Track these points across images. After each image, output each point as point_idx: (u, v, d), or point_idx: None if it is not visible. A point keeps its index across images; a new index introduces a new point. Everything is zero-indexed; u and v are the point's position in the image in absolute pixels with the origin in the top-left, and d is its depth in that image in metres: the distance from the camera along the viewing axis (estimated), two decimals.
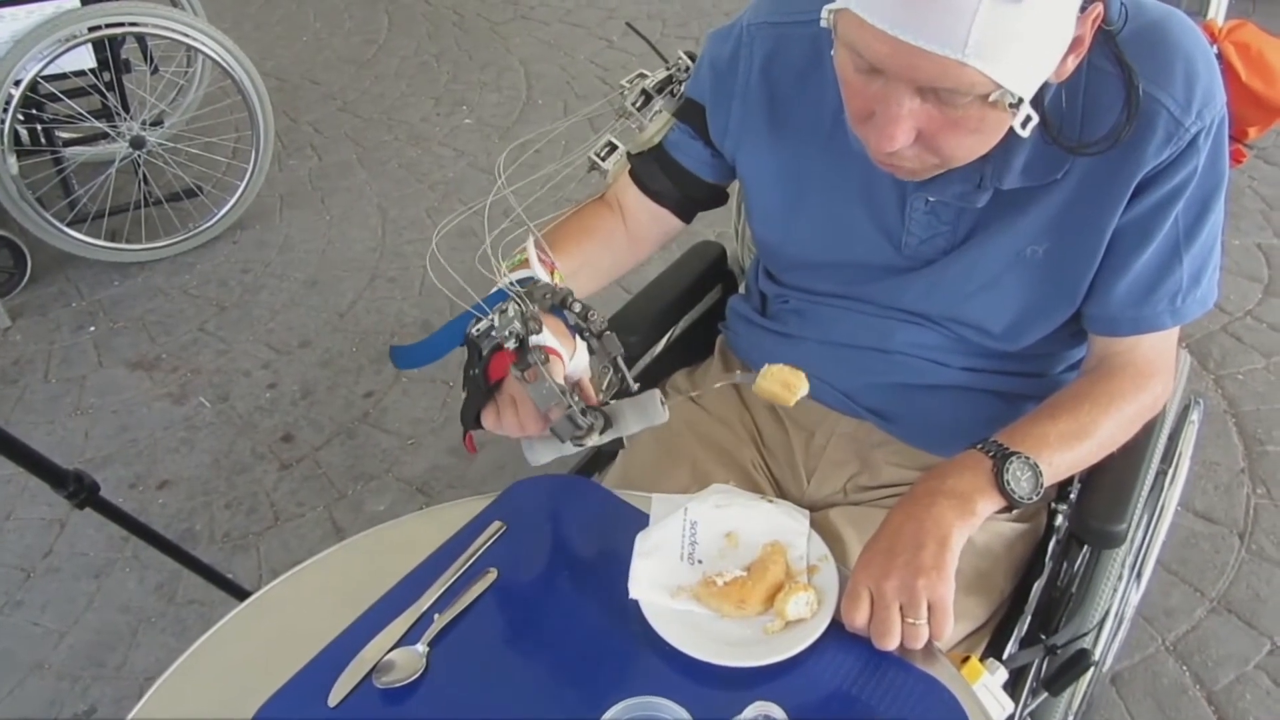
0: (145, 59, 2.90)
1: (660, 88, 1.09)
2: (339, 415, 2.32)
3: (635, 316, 1.26)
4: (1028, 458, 0.89)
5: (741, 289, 1.35)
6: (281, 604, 0.93)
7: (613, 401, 0.90)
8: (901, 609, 0.82)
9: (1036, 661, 1.06)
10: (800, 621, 0.85)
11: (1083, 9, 0.76)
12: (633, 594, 0.87)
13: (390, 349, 0.98)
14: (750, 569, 0.90)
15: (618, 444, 0.94)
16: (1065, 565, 1.08)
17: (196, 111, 3.17)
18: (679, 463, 1.14)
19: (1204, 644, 1.72)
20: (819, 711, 0.80)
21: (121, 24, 2.58)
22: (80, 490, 1.38)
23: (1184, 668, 1.69)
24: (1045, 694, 1.05)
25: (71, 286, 2.77)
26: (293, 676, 0.84)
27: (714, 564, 0.91)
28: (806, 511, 0.96)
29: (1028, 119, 0.78)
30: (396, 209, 3.07)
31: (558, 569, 0.94)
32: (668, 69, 1.10)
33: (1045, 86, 0.82)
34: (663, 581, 0.89)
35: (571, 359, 0.90)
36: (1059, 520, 1.12)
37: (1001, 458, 0.88)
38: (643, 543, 0.91)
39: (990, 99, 0.75)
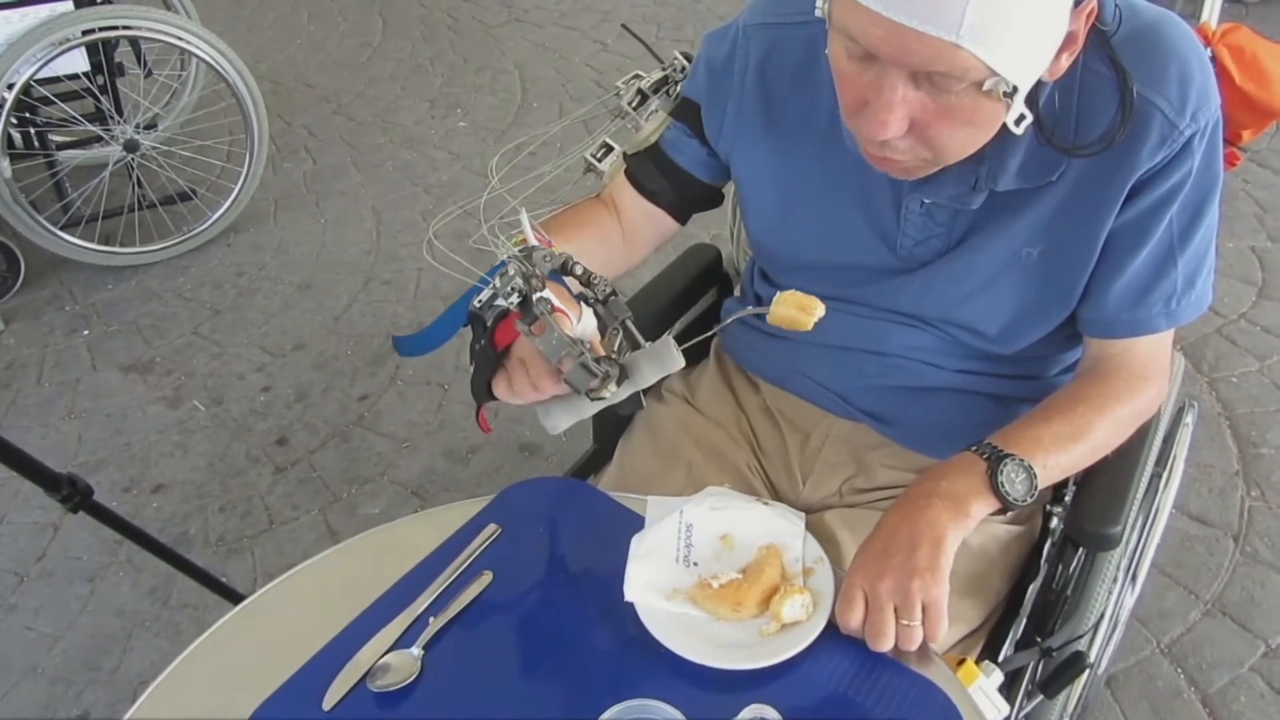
0: (139, 62, 2.89)
1: (656, 88, 1.09)
2: (333, 418, 2.32)
3: None
4: (1022, 460, 0.89)
5: (737, 291, 1.35)
6: (276, 607, 0.92)
7: (627, 355, 0.87)
8: (896, 611, 0.82)
9: (1032, 664, 1.06)
10: (796, 624, 0.85)
11: (1077, 3, 0.77)
12: (628, 596, 0.86)
13: (393, 338, 0.97)
14: (746, 571, 0.90)
15: (635, 404, 0.90)
16: (1060, 568, 1.08)
17: (190, 115, 3.16)
18: (674, 465, 1.13)
19: (1198, 646, 1.72)
20: (814, 714, 0.80)
21: (115, 27, 2.58)
22: (74, 494, 1.38)
23: (1179, 670, 1.69)
24: (1040, 696, 1.05)
25: (65, 290, 2.76)
26: (287, 680, 0.83)
27: (709, 566, 0.91)
28: (802, 514, 0.96)
29: (1021, 116, 0.78)
30: (391, 212, 3.07)
31: (553, 572, 0.94)
32: (663, 69, 1.10)
33: (1040, 86, 0.82)
34: (658, 584, 0.88)
35: (579, 322, 0.87)
36: (1054, 523, 1.12)
37: (996, 460, 0.88)
38: (638, 545, 0.91)
39: (984, 87, 0.75)
